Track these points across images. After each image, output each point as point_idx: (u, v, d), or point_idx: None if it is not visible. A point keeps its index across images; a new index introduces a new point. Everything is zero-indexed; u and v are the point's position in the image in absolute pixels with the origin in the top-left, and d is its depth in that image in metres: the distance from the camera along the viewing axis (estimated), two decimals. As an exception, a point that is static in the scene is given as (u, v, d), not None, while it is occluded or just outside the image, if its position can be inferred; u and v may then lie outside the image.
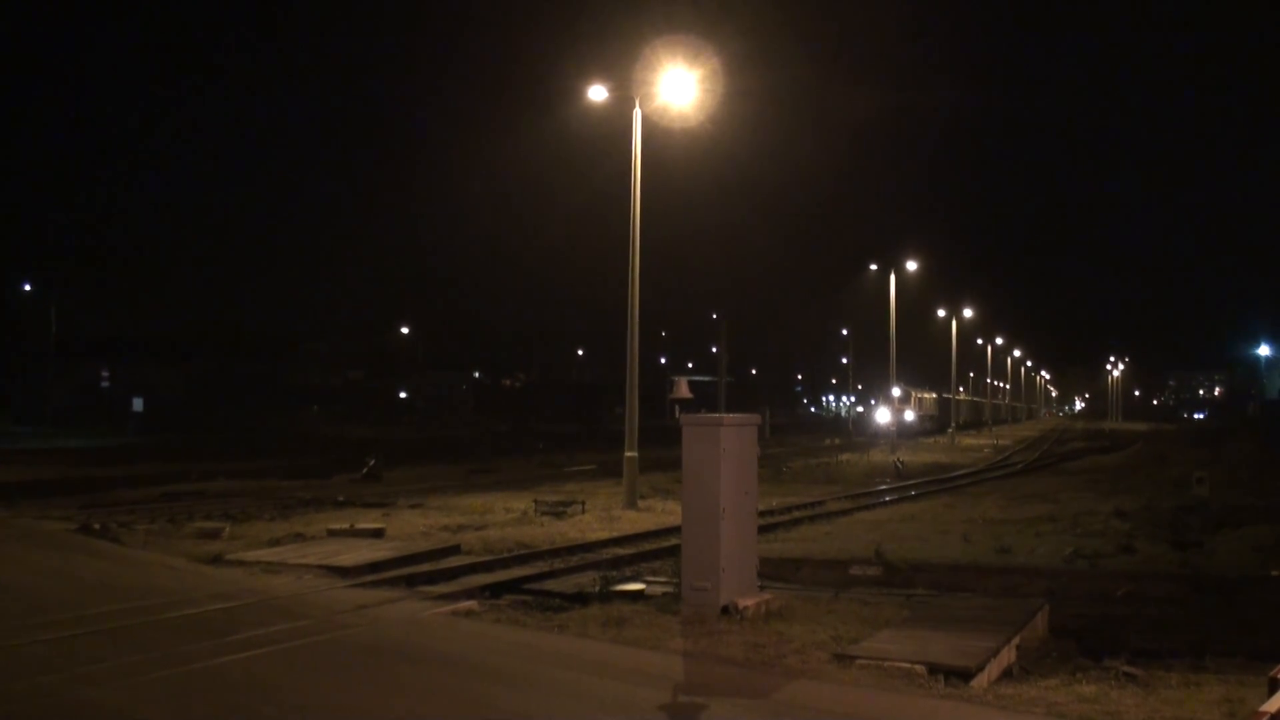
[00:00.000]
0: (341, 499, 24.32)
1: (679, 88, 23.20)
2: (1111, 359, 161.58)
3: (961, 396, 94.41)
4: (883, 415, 67.07)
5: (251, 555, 14.64)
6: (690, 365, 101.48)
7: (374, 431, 65.84)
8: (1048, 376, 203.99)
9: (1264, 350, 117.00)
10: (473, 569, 14.62)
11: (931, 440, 69.16)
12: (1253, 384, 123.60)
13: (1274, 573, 15.28)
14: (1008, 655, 9.77)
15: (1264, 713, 5.72)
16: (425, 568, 14.31)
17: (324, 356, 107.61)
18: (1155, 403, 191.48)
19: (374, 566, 13.90)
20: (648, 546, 17.41)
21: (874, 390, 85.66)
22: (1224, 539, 18.58)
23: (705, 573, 10.70)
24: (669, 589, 12.44)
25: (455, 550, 15.99)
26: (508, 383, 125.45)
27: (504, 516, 20.55)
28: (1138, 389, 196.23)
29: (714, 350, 75.81)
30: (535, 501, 22.23)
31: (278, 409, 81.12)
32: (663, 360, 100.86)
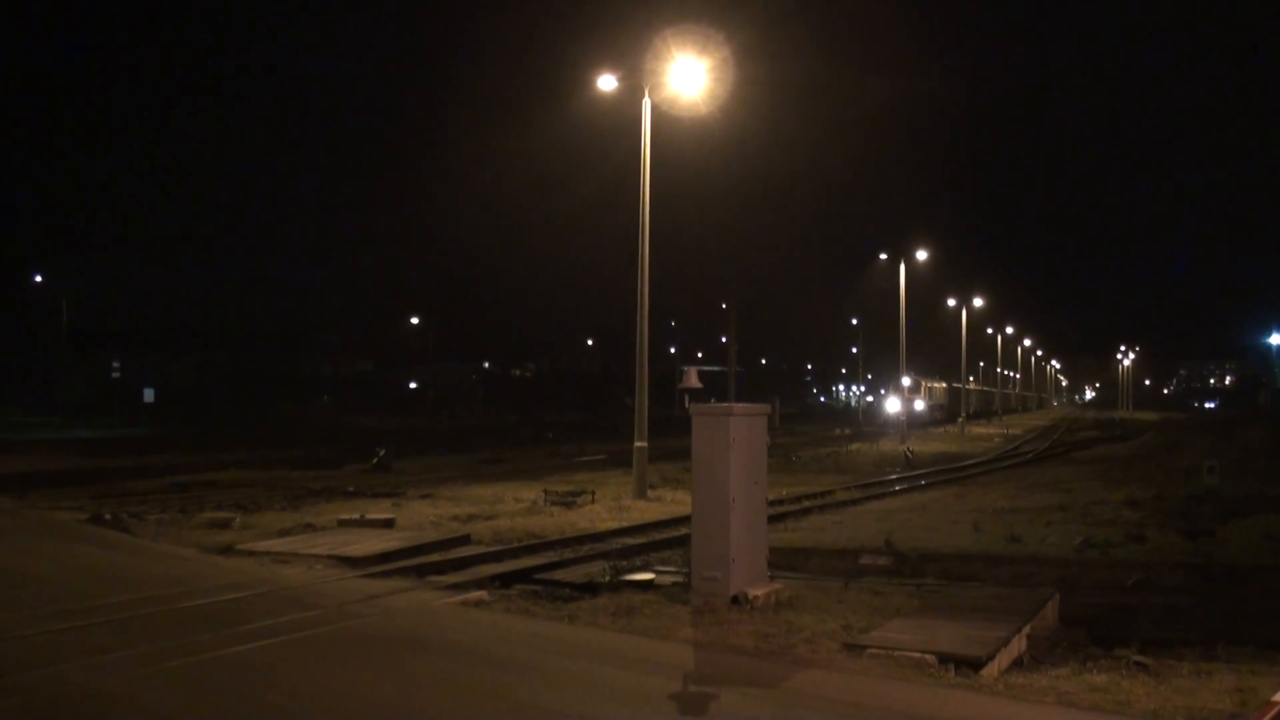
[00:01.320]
0: (351, 489, 24.37)
1: (689, 77, 23.10)
2: (1122, 348, 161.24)
3: (971, 386, 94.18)
4: (892, 405, 66.97)
5: (262, 545, 14.67)
6: (700, 355, 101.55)
7: (384, 422, 65.99)
8: (1058, 366, 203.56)
9: (1275, 339, 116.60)
10: (483, 559, 14.63)
11: (941, 430, 69.06)
12: (1264, 373, 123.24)
13: (1286, 562, 15.22)
14: (1018, 644, 9.76)
15: (1276, 702, 5.70)
16: (435, 558, 14.32)
17: (334, 347, 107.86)
18: (1166, 391, 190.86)
19: (384, 556, 13.91)
20: (658, 536, 17.40)
21: (884, 380, 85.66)
22: (1235, 528, 18.51)
23: (715, 562, 10.70)
24: (679, 579, 12.44)
25: (465, 540, 16.00)
26: (517, 373, 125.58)
27: (514, 506, 20.57)
28: (1149, 378, 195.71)
29: (723, 340, 75.76)
30: (545, 491, 22.25)
31: (288, 399, 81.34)
32: (672, 350, 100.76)
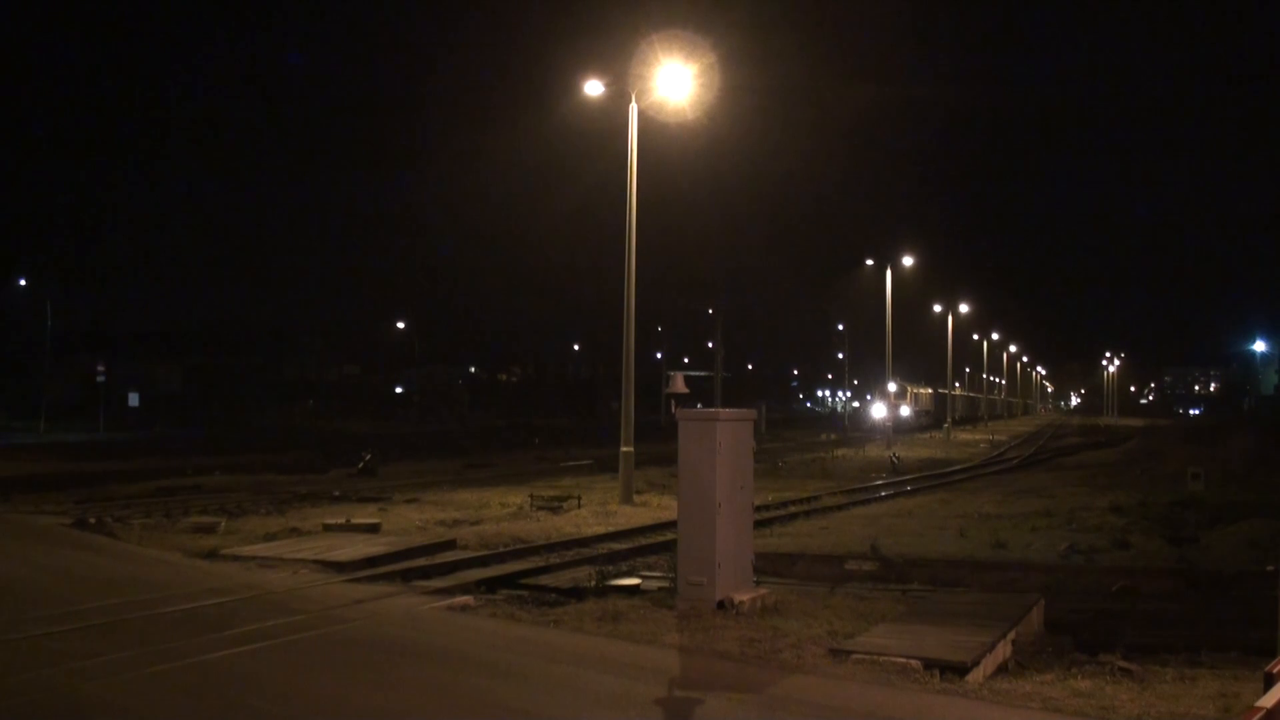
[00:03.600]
0: (337, 494, 24.31)
1: (675, 83, 23.14)
2: (1107, 354, 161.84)
3: (957, 392, 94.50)
4: (878, 410, 67.24)
5: (247, 550, 14.63)
6: (686, 360, 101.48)
7: (370, 426, 65.88)
8: (1043, 372, 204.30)
9: (1259, 346, 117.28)
10: (468, 564, 14.62)
11: (927, 436, 69.18)
12: (1248, 380, 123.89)
13: (1269, 568, 15.28)
14: (1003, 650, 9.78)
15: (1259, 708, 5.71)
16: (421, 562, 14.30)
17: (320, 351, 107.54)
18: (1151, 399, 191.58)
19: (370, 561, 13.90)
20: (644, 541, 17.40)
21: (870, 385, 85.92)
22: (1219, 534, 18.60)
23: (701, 567, 10.70)
24: (665, 584, 12.46)
25: (451, 545, 15.98)
26: (504, 377, 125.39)
27: (500, 511, 20.55)
28: (1133, 385, 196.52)
29: (710, 345, 75.86)
30: (531, 496, 22.22)
31: (274, 404, 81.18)
32: (659, 355, 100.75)
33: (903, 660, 8.76)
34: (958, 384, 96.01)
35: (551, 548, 16.38)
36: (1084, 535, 18.43)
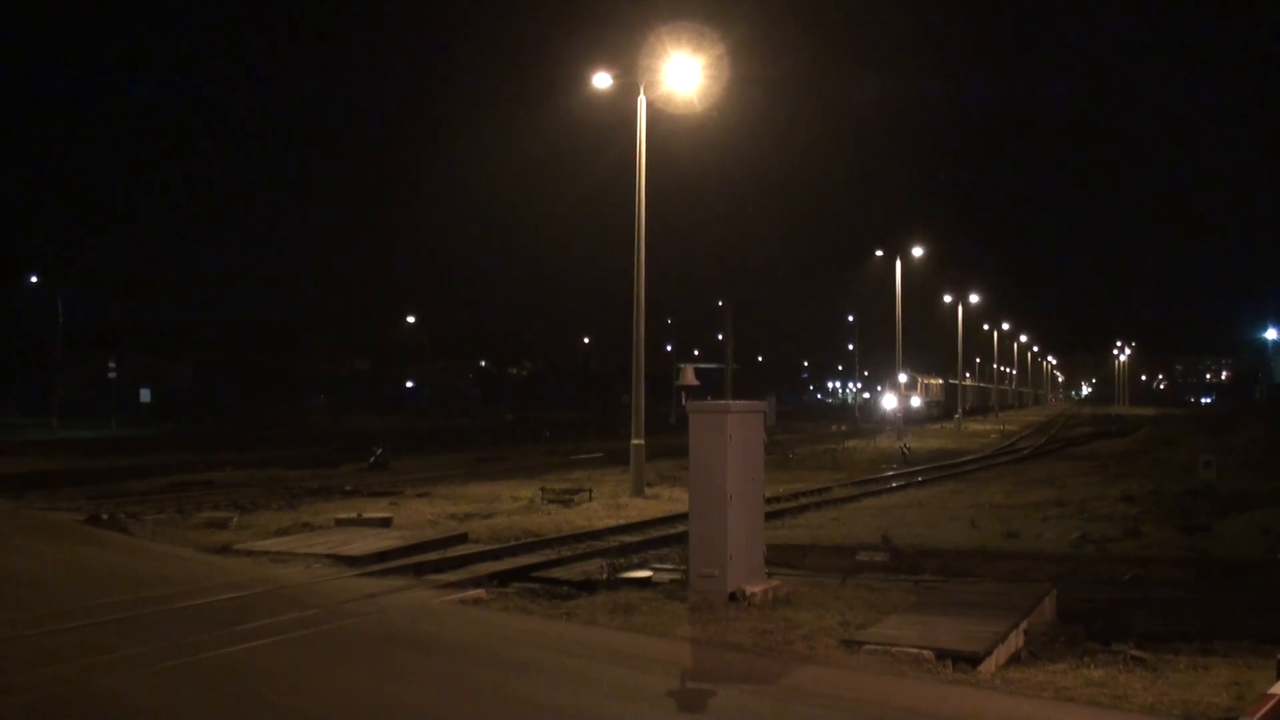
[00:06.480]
0: (349, 488, 24.36)
1: (684, 75, 23.08)
2: (1118, 344, 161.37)
3: (968, 382, 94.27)
4: (889, 401, 67.20)
5: (259, 545, 14.66)
6: (696, 352, 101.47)
7: (381, 421, 65.98)
8: (1054, 362, 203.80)
9: (1271, 334, 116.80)
10: (480, 557, 14.64)
11: (938, 426, 69.09)
12: (1260, 368, 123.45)
13: (1281, 556, 15.26)
14: (1015, 640, 9.77)
15: (1273, 695, 5.72)
16: (433, 556, 14.33)
17: (331, 346, 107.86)
18: (1162, 388, 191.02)
19: (381, 555, 13.91)
20: (655, 534, 17.42)
21: (880, 376, 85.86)
22: (1231, 523, 18.55)
23: (712, 560, 10.70)
24: (676, 576, 12.47)
25: (463, 539, 16.00)
26: (514, 371, 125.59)
27: (511, 505, 20.57)
28: (1145, 374, 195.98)
29: (720, 337, 75.80)
30: (542, 489, 22.25)
31: (285, 399, 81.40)
32: (669, 347, 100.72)
33: (915, 651, 8.75)
34: (968, 374, 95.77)
35: (563, 541, 16.40)
36: (1096, 524, 18.38)
